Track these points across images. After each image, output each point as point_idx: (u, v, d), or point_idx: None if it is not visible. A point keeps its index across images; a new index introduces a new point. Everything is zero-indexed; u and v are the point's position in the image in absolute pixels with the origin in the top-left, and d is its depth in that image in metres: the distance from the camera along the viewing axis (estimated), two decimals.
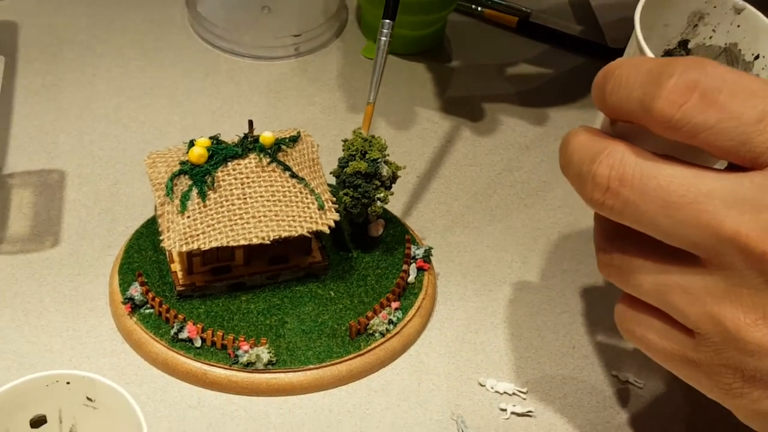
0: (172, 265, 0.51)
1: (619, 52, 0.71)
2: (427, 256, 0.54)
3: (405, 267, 0.53)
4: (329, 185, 0.53)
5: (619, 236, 0.38)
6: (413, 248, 0.54)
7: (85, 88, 0.65)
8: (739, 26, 0.42)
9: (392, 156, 0.52)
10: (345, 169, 0.51)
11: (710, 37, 0.43)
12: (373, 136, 0.52)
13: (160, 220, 0.48)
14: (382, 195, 0.51)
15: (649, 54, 0.38)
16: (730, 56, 0.42)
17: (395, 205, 0.58)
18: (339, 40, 0.71)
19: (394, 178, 0.52)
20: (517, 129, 0.65)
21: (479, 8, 0.74)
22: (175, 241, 0.47)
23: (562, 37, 0.73)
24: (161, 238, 0.48)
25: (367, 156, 0.51)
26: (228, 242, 0.47)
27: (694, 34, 0.43)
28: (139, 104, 0.64)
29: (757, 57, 0.41)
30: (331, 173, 0.53)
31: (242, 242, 0.48)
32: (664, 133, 0.35)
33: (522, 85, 0.69)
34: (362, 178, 0.51)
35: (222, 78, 0.67)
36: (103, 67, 0.67)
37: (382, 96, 0.66)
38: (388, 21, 0.55)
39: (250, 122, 0.53)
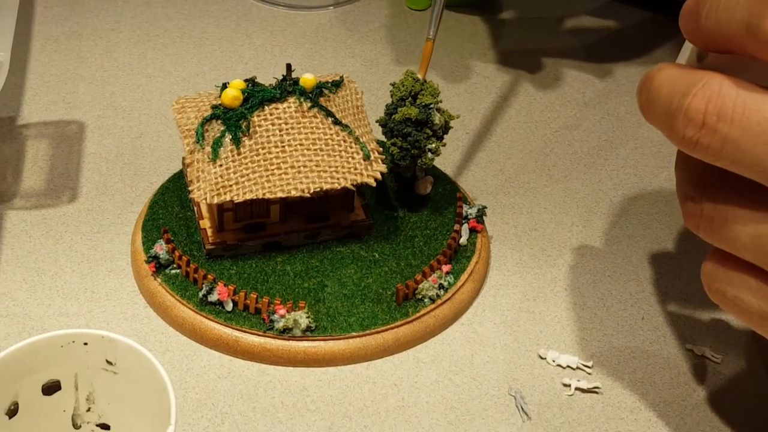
0: (200, 222, 0.46)
1: None
2: (480, 216, 0.49)
3: (456, 227, 0.48)
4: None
5: (712, 182, 0.34)
6: (465, 207, 0.49)
7: (107, 35, 0.60)
8: None
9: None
10: (393, 116, 0.46)
11: None
12: (425, 80, 0.47)
13: (188, 170, 0.43)
14: (433, 146, 0.46)
15: None
16: None
17: (444, 162, 0.53)
18: None
19: (446, 128, 0.47)
20: (576, 85, 0.60)
21: None
22: (205, 191, 0.42)
23: None
24: (190, 189, 0.43)
25: (418, 101, 0.45)
26: (264, 194, 0.42)
27: None
28: (165, 53, 0.59)
29: None
30: (377, 122, 0.48)
31: (279, 194, 0.43)
32: None
33: (581, 39, 0.64)
34: (412, 125, 0.45)
35: (255, 28, 0.62)
36: (127, 14, 0.62)
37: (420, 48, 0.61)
38: None
39: (288, 66, 0.48)
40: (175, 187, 0.49)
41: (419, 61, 0.60)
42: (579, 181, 0.54)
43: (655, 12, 0.66)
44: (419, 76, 0.46)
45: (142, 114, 0.55)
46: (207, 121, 0.44)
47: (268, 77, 0.57)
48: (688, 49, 0.36)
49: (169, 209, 0.48)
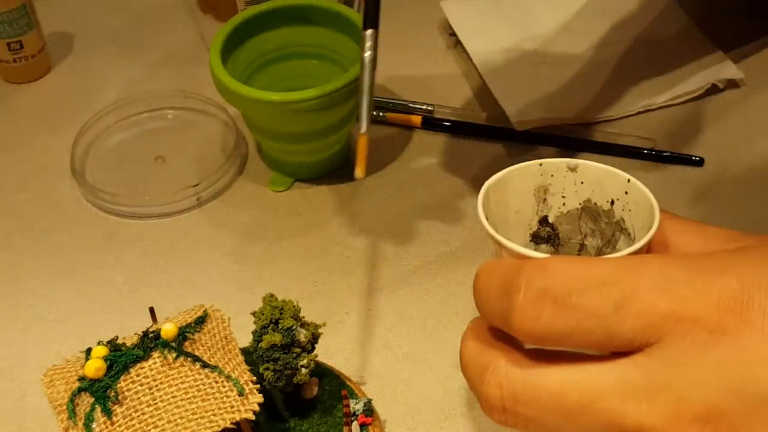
0: None
1: (524, 134, 0.69)
2: (368, 409, 0.50)
3: (346, 429, 0.49)
4: (250, 354, 0.49)
5: None
6: (352, 403, 0.50)
7: None
8: (582, 182, 0.41)
9: (316, 296, 0.48)
10: (260, 344, 0.47)
11: (563, 204, 0.42)
12: (284, 301, 0.48)
13: None
14: (305, 361, 0.48)
15: (504, 242, 0.36)
16: (590, 212, 0.41)
17: (327, 351, 0.55)
18: (242, 177, 0.68)
19: (315, 338, 0.49)
20: (440, 235, 0.62)
21: (381, 113, 0.72)
22: None
23: (469, 126, 0.71)
24: None
25: (280, 325, 0.47)
26: None
27: (547, 208, 0.42)
28: (37, 297, 0.59)
29: (612, 202, 0.40)
30: (248, 346, 0.49)
31: None
32: (534, 345, 0.33)
33: (444, 183, 0.66)
34: (279, 350, 0.47)
35: (124, 247, 0.63)
36: None
37: (290, 231, 0.62)
38: (370, 31, 0.44)
39: (151, 310, 0.49)
40: None
41: (288, 250, 0.62)
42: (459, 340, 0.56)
43: (499, 141, 0.69)
44: (358, 173, 0.45)
45: (23, 372, 0.55)
46: (75, 395, 0.44)
47: (144, 299, 0.59)
48: None
49: None
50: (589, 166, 0.40)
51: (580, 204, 0.41)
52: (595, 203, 0.41)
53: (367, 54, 0.44)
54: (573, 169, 0.40)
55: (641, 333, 0.31)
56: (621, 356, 0.32)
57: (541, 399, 0.32)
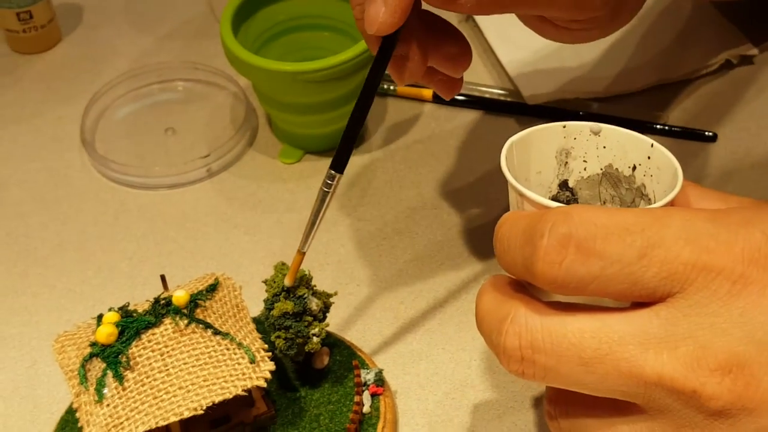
0: None
1: (537, 108, 0.68)
2: (379, 379, 0.50)
3: (357, 398, 0.49)
4: (260, 323, 0.49)
5: (562, 398, 0.36)
6: (363, 373, 0.50)
7: None
8: (605, 147, 0.41)
9: (326, 267, 0.48)
10: (271, 312, 0.47)
11: (584, 168, 0.42)
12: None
13: (78, 414, 0.44)
14: (316, 330, 0.47)
15: (526, 193, 0.36)
16: (611, 178, 0.41)
17: (338, 322, 0.55)
18: (252, 149, 0.68)
19: (326, 307, 0.48)
20: (452, 207, 0.62)
21: (391, 87, 0.71)
22: None
23: (481, 100, 0.70)
24: None
25: (292, 293, 0.47)
26: (157, 423, 0.43)
27: (568, 172, 0.42)
28: (46, 266, 0.59)
29: (634, 167, 0.40)
30: (259, 315, 0.49)
31: (173, 418, 0.43)
32: (555, 292, 0.33)
33: (455, 155, 0.66)
34: (291, 318, 0.47)
35: (133, 217, 0.63)
36: (1, 230, 0.62)
37: (300, 204, 0.62)
38: (333, 173, 0.45)
39: (163, 278, 0.49)
40: (75, 419, 0.48)
41: (299, 221, 0.61)
42: (470, 313, 0.56)
43: (511, 115, 0.68)
44: (286, 282, 0.47)
45: (32, 339, 0.55)
46: (87, 360, 0.44)
47: (154, 269, 0.59)
48: None
49: None
50: (613, 130, 0.40)
51: (601, 169, 0.41)
52: (617, 168, 0.40)
53: (325, 190, 0.45)
54: (596, 133, 0.40)
55: (664, 282, 0.31)
56: (641, 306, 0.32)
57: (560, 348, 0.32)
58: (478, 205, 0.62)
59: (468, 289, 0.57)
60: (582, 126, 0.40)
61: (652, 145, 0.39)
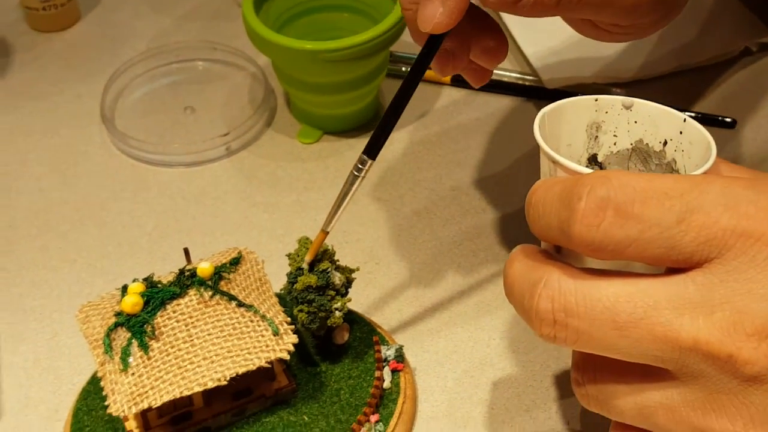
0: (126, 424, 0.47)
1: (556, 92, 0.68)
2: (399, 355, 0.50)
3: (378, 374, 0.49)
4: (282, 299, 0.49)
5: (590, 364, 0.36)
6: (383, 349, 0.51)
7: (5, 233, 0.60)
8: (636, 122, 0.41)
9: (345, 246, 0.48)
10: (294, 285, 0.47)
11: (614, 143, 0.42)
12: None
13: (102, 383, 0.44)
14: (339, 304, 0.48)
15: (560, 160, 0.36)
16: (641, 153, 0.41)
17: (357, 300, 0.55)
18: (271, 129, 0.68)
19: (349, 283, 0.49)
20: (470, 190, 0.62)
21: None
22: (121, 404, 0.42)
23: (499, 84, 0.70)
24: (106, 403, 0.43)
25: (316, 267, 0.47)
26: (181, 392, 0.43)
27: (598, 146, 0.42)
28: (67, 240, 0.60)
29: (665, 143, 0.40)
30: (281, 291, 0.49)
31: (197, 389, 0.43)
32: (591, 255, 0.33)
33: (473, 138, 0.66)
34: (314, 291, 0.47)
35: (153, 194, 0.63)
36: (22, 206, 0.62)
37: (318, 183, 0.62)
38: (366, 158, 0.45)
39: (186, 251, 0.49)
40: (97, 389, 0.49)
41: (317, 200, 0.61)
42: (489, 292, 0.56)
43: (529, 99, 0.68)
44: (306, 259, 0.47)
45: (53, 312, 0.55)
46: (112, 330, 0.44)
47: (174, 245, 0.59)
48: None
49: (92, 414, 0.48)
50: (645, 104, 0.40)
51: (631, 144, 0.41)
52: (647, 144, 0.40)
53: (355, 174, 0.45)
54: (628, 107, 0.40)
55: (702, 247, 0.31)
56: (677, 272, 0.32)
57: (594, 311, 0.32)
58: (497, 186, 0.63)
59: (486, 268, 0.57)
60: (614, 100, 0.40)
61: (684, 120, 0.39)
